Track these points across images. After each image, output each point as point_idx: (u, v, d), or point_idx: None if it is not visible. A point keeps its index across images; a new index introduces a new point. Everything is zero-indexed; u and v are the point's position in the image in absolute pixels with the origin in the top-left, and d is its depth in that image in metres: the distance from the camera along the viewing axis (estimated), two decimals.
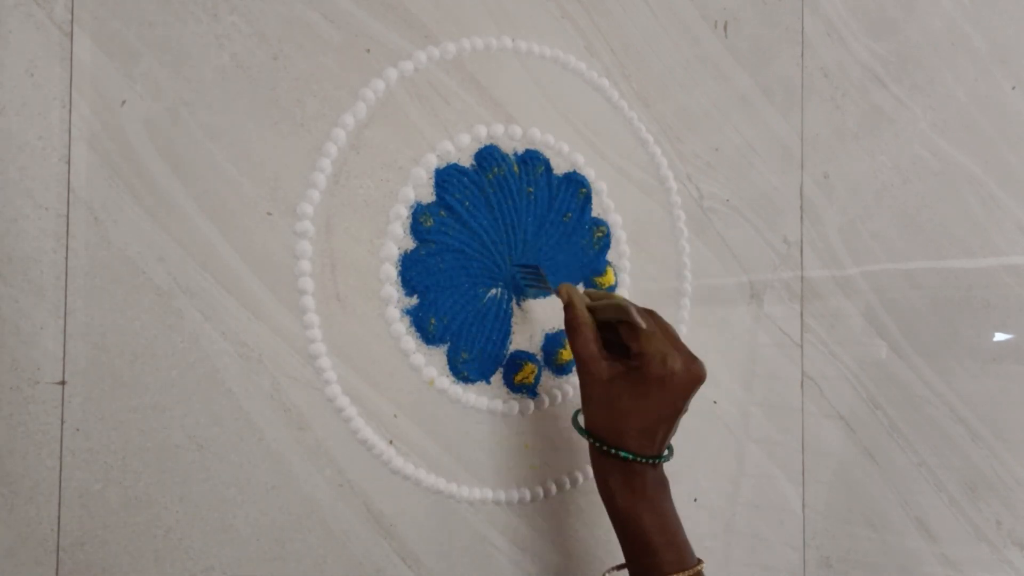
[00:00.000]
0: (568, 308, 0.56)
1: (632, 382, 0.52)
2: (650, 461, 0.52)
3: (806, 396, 0.79)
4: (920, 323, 0.85)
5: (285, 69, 0.55)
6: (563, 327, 0.57)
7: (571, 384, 0.65)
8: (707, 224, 0.74)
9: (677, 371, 0.51)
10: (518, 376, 0.62)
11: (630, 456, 0.52)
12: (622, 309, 0.53)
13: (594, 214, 0.67)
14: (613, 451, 0.52)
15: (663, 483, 0.54)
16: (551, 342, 0.64)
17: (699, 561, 0.53)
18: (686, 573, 0.51)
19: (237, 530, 0.52)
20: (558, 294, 0.57)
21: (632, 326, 0.53)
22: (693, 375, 0.52)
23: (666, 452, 0.54)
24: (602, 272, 0.67)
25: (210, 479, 0.51)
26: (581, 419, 0.56)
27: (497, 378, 0.62)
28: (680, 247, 0.72)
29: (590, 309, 0.55)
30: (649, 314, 0.55)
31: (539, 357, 0.64)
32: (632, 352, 0.53)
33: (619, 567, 0.56)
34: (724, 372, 0.74)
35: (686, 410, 0.54)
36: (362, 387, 0.56)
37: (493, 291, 0.62)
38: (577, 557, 0.64)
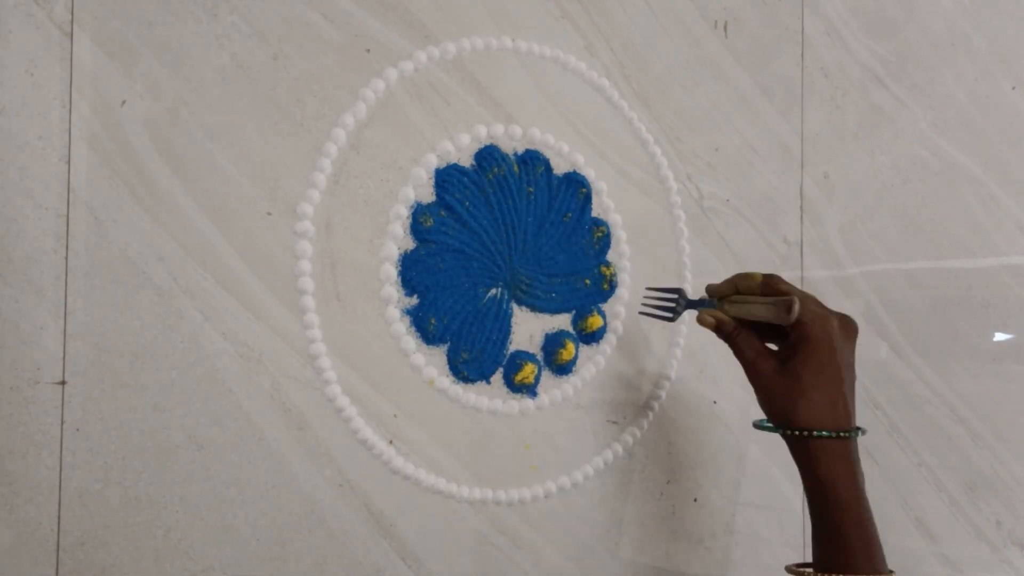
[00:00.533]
0: (721, 325, 0.56)
1: (803, 357, 0.52)
2: (853, 435, 0.52)
3: None
4: (920, 323, 0.85)
5: (285, 69, 0.55)
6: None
7: (571, 384, 0.65)
8: (707, 224, 0.74)
9: (835, 329, 0.52)
10: (518, 376, 0.62)
11: (833, 434, 0.51)
12: (779, 305, 0.53)
13: (594, 214, 0.67)
14: (816, 433, 0.51)
15: (857, 461, 0.53)
16: (551, 342, 0.64)
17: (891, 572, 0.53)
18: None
19: (237, 530, 0.52)
20: (702, 323, 0.57)
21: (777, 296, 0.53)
22: (849, 328, 0.53)
23: (861, 428, 0.54)
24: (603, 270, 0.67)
25: (210, 479, 0.51)
26: (764, 422, 0.56)
27: (497, 378, 0.62)
28: (680, 247, 0.72)
29: (738, 304, 0.56)
30: (774, 280, 0.55)
31: (539, 357, 0.64)
32: (787, 330, 0.53)
33: (803, 565, 0.55)
34: (724, 372, 0.74)
35: (851, 373, 0.53)
36: (362, 387, 0.56)
37: (493, 291, 0.62)
38: (577, 557, 0.64)
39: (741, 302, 0.56)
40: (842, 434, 0.52)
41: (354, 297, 0.56)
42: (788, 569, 0.54)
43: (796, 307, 0.52)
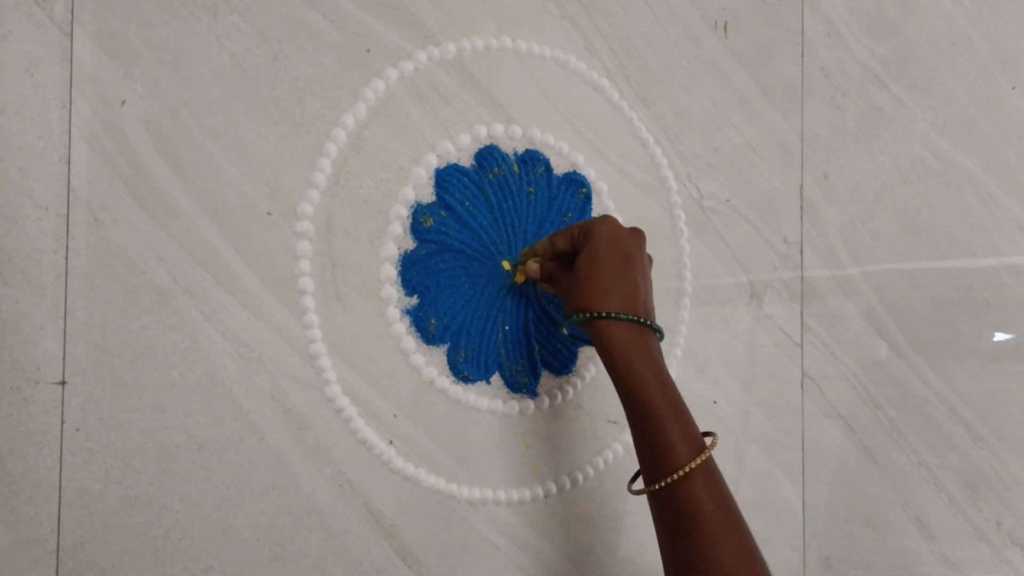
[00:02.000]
0: (528, 271, 0.60)
1: (584, 251, 0.54)
2: (638, 320, 0.52)
3: (806, 396, 0.79)
4: (920, 323, 0.85)
5: (285, 69, 0.55)
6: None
7: (571, 384, 0.65)
8: (707, 224, 0.74)
9: (615, 224, 0.55)
10: (518, 376, 0.62)
11: (618, 316, 0.51)
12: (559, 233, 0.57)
13: (594, 214, 0.67)
14: (602, 314, 0.51)
15: (658, 352, 0.53)
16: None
17: (709, 434, 0.51)
18: (699, 460, 0.48)
19: (237, 530, 0.52)
20: (531, 272, 0.60)
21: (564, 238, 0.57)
22: (636, 231, 0.56)
23: (658, 327, 0.54)
24: None
25: (210, 479, 0.51)
26: (565, 329, 0.58)
27: (497, 378, 0.62)
28: (680, 247, 0.72)
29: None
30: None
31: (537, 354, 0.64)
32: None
33: (635, 476, 0.53)
34: (724, 372, 0.74)
35: (648, 275, 0.55)
36: (362, 387, 0.56)
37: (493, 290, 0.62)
38: (577, 557, 0.64)
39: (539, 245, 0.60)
40: (632, 317, 0.51)
41: (354, 297, 0.56)
42: (630, 490, 0.53)
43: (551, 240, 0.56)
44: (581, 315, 0.52)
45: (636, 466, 0.52)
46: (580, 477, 0.65)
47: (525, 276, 0.61)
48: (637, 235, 0.56)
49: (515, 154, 0.63)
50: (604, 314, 0.51)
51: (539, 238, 0.64)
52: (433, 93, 0.60)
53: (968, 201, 0.89)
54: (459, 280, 0.60)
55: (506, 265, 0.62)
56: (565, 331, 0.58)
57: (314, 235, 0.55)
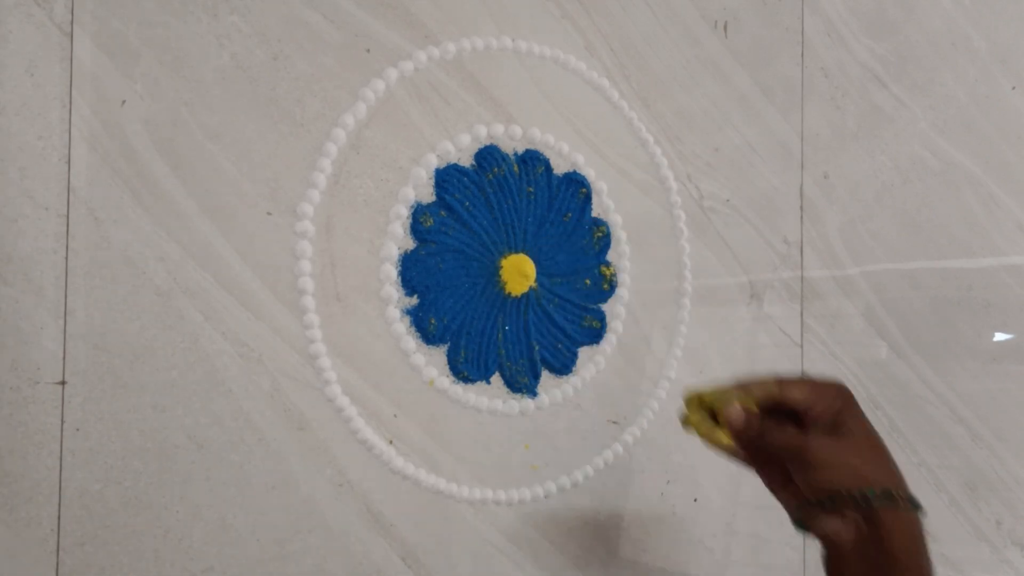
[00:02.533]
0: (730, 417, 0.47)
1: (841, 417, 0.45)
2: (912, 505, 0.43)
3: None
4: (920, 323, 0.85)
5: (285, 69, 0.55)
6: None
7: (571, 384, 0.65)
8: (707, 224, 0.74)
9: (838, 384, 0.46)
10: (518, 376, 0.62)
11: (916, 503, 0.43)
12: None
13: (594, 214, 0.67)
14: (906, 498, 0.43)
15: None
16: None
17: None
18: None
19: (237, 530, 0.52)
20: (731, 421, 0.47)
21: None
22: (841, 385, 0.47)
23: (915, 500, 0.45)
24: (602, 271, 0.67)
25: (210, 479, 0.51)
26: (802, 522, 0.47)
27: (497, 378, 0.62)
28: (680, 247, 0.72)
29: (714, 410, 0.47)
30: (746, 387, 0.46)
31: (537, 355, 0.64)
32: (800, 411, 0.46)
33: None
34: (724, 372, 0.74)
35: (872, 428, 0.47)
36: (362, 387, 0.56)
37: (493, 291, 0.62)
38: (577, 557, 0.64)
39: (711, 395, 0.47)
40: (918, 505, 0.43)
41: (354, 297, 0.56)
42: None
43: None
44: (872, 491, 0.43)
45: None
46: (580, 477, 0.65)
47: (725, 428, 0.46)
48: (845, 390, 0.46)
49: (515, 154, 0.63)
50: (902, 497, 0.42)
51: (539, 238, 0.64)
52: (433, 93, 0.60)
53: (968, 201, 0.89)
54: (459, 280, 0.60)
55: (690, 414, 0.48)
56: (797, 526, 0.46)
57: (314, 235, 0.55)
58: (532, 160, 0.63)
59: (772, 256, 0.77)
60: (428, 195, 0.59)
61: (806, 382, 0.46)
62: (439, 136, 0.60)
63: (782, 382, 0.46)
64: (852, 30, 0.83)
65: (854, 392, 0.48)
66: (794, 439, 0.45)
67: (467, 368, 0.60)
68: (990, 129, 0.91)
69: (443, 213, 0.60)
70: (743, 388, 0.47)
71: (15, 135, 0.47)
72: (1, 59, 0.47)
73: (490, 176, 0.62)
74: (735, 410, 0.46)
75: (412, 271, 0.58)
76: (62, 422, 0.48)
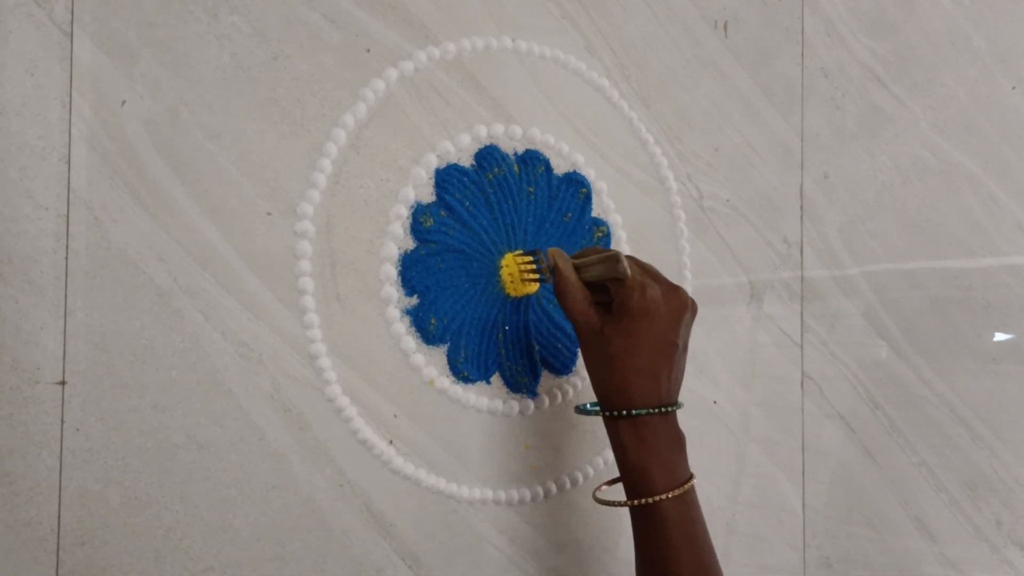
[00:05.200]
0: (555, 272, 0.56)
1: (619, 320, 0.52)
2: (658, 411, 0.51)
3: (806, 396, 0.79)
4: (920, 323, 0.85)
5: (285, 69, 0.55)
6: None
7: (571, 384, 0.65)
8: (707, 224, 0.74)
9: (657, 299, 0.52)
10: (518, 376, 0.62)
11: (639, 411, 0.51)
12: (608, 259, 0.53)
13: (594, 214, 0.67)
14: (622, 413, 0.51)
15: (676, 438, 0.53)
16: None
17: (691, 476, 0.53)
18: (676, 491, 0.50)
19: (237, 530, 0.52)
20: (547, 256, 0.57)
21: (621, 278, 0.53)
22: (677, 303, 0.52)
23: (679, 403, 0.53)
24: None
25: (210, 479, 0.51)
26: (587, 405, 0.58)
27: (497, 378, 0.62)
28: (680, 247, 0.72)
29: (577, 270, 0.56)
30: (630, 259, 0.54)
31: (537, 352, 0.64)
32: (614, 296, 0.53)
33: (613, 481, 0.55)
34: (724, 372, 0.74)
35: (682, 346, 0.53)
36: (362, 387, 0.56)
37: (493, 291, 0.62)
38: (577, 557, 0.64)
39: (579, 266, 0.56)
40: (650, 411, 0.51)
41: (354, 297, 0.56)
42: (595, 498, 0.55)
43: (624, 261, 0.51)
44: (606, 411, 0.52)
45: None
46: (580, 477, 0.65)
47: (548, 261, 0.57)
48: (680, 309, 0.53)
49: (515, 154, 0.63)
50: (626, 413, 0.51)
51: (539, 238, 0.64)
52: (433, 93, 0.60)
53: (968, 201, 0.89)
54: (459, 280, 0.60)
55: (508, 267, 0.61)
56: (576, 410, 0.59)
57: (314, 235, 0.55)
58: (532, 160, 0.63)
59: (772, 256, 0.77)
60: (428, 195, 0.59)
61: (599, 259, 0.53)
62: (439, 136, 0.60)
63: (585, 256, 0.55)
64: (852, 30, 0.83)
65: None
66: (569, 309, 0.54)
67: (467, 368, 0.60)
68: (990, 129, 0.91)
69: (443, 213, 0.60)
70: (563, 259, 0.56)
71: (15, 135, 0.47)
72: (1, 59, 0.47)
73: (490, 176, 0.62)
74: (551, 257, 0.56)
75: (412, 271, 0.58)
76: (62, 422, 0.48)
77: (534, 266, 0.60)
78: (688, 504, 0.51)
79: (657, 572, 0.51)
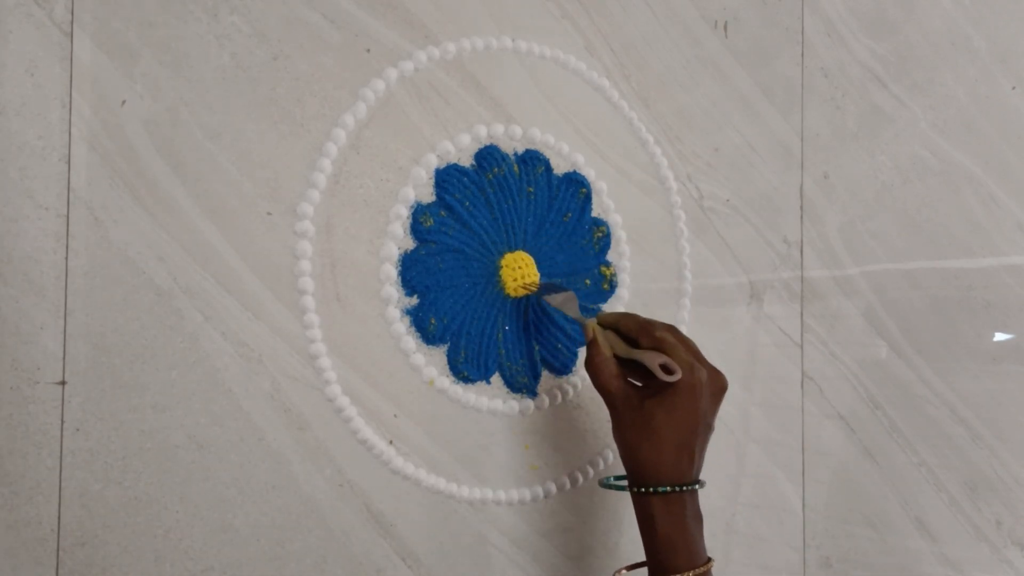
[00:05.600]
0: (590, 345, 0.56)
1: (662, 397, 0.52)
2: (688, 488, 0.52)
3: (806, 396, 0.79)
4: (920, 323, 0.85)
5: (285, 69, 0.55)
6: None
7: (571, 384, 0.65)
8: (707, 224, 0.74)
9: (703, 380, 0.52)
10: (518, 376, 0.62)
11: (668, 489, 0.52)
12: (653, 356, 0.53)
13: (594, 214, 0.67)
14: (656, 490, 0.52)
15: (699, 517, 0.54)
16: None
17: (710, 560, 0.53)
18: (695, 571, 0.51)
19: (237, 530, 0.52)
20: (583, 328, 0.57)
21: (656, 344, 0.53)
22: (718, 384, 0.54)
23: (702, 482, 0.54)
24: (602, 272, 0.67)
25: (210, 479, 0.51)
26: (611, 479, 0.59)
27: (497, 378, 0.62)
28: (680, 247, 0.72)
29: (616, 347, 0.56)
30: (668, 330, 0.54)
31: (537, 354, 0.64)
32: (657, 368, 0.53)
33: (634, 566, 0.56)
34: (724, 372, 0.74)
35: (713, 427, 0.54)
36: (362, 387, 0.56)
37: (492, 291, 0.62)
38: (577, 557, 0.64)
39: (623, 352, 0.55)
40: (682, 488, 0.52)
41: (354, 297, 0.56)
42: None
43: (677, 375, 0.52)
44: (636, 488, 0.53)
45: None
46: (580, 477, 0.65)
47: (586, 334, 0.56)
48: (718, 392, 0.54)
49: (515, 154, 0.63)
50: (657, 490, 0.52)
51: (539, 238, 0.64)
52: (433, 93, 0.60)
53: (968, 201, 0.89)
54: (459, 280, 0.60)
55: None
56: (602, 485, 0.59)
57: (314, 235, 0.55)
58: (532, 160, 0.64)
59: (772, 256, 0.77)
60: (428, 195, 0.59)
61: (646, 325, 0.55)
62: (439, 136, 0.60)
63: (630, 319, 0.56)
64: (852, 30, 0.83)
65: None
66: (611, 399, 0.54)
67: (467, 368, 0.60)
68: (990, 129, 0.91)
69: (443, 213, 0.60)
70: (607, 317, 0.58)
71: (15, 135, 0.47)
72: (1, 59, 0.47)
73: (490, 176, 0.62)
74: (594, 327, 0.56)
75: (412, 271, 0.58)
76: (62, 422, 0.48)
77: (529, 280, 0.61)
78: None
79: None
